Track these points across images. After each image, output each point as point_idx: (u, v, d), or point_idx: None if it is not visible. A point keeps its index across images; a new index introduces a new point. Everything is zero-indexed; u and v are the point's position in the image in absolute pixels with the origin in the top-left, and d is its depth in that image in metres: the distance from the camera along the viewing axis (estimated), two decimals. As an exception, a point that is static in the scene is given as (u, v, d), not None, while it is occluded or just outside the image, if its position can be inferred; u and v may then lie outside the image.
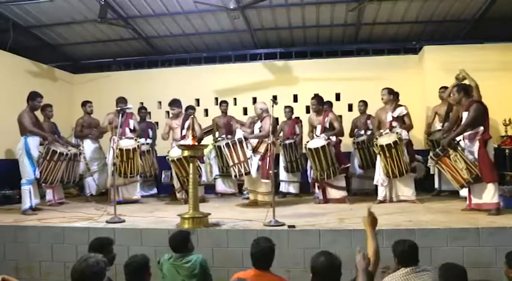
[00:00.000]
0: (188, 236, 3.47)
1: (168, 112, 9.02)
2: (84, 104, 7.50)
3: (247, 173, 6.14)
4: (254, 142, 6.39)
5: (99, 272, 2.19)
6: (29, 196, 5.92)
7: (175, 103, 7.20)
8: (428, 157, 6.02)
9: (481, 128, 5.05)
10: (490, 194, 5.00)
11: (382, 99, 6.40)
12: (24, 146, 5.97)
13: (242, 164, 6.11)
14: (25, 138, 6.01)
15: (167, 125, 7.26)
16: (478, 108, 5.06)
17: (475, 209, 5.15)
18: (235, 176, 6.26)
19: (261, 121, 6.41)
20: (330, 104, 7.69)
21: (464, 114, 5.17)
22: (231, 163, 6.21)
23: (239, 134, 6.45)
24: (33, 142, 6.08)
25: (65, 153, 6.48)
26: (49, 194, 6.75)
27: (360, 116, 7.66)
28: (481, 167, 4.96)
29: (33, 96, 6.19)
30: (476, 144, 5.07)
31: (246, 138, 6.28)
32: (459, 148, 5.11)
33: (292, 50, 9.10)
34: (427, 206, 5.90)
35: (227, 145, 6.19)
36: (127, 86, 8.63)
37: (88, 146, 7.35)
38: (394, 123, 6.24)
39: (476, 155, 5.04)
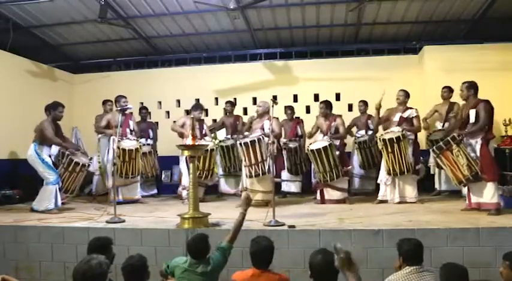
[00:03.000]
0: (207, 239, 3.22)
1: (168, 112, 9.05)
2: (105, 102, 7.50)
3: (264, 174, 5.95)
4: None
5: (102, 273, 2.18)
6: (54, 195, 5.87)
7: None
8: (430, 150, 6.02)
9: (486, 127, 5.10)
10: (490, 193, 5.01)
11: (397, 99, 6.39)
12: (35, 152, 5.91)
13: (259, 165, 5.91)
14: (34, 145, 5.94)
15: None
16: (488, 107, 5.14)
17: (475, 208, 5.16)
18: (251, 176, 6.00)
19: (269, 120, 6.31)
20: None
21: (471, 112, 5.19)
22: (246, 163, 6.00)
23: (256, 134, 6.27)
24: (43, 147, 6.00)
25: (87, 164, 6.45)
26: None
27: (360, 116, 7.66)
28: (483, 165, 4.98)
29: (55, 106, 6.01)
30: (479, 142, 5.10)
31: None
32: (462, 144, 5.13)
33: (292, 50, 9.09)
34: (427, 206, 5.91)
35: (245, 144, 5.98)
36: (127, 86, 8.62)
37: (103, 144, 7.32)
38: (403, 125, 6.22)
39: (478, 154, 5.06)
